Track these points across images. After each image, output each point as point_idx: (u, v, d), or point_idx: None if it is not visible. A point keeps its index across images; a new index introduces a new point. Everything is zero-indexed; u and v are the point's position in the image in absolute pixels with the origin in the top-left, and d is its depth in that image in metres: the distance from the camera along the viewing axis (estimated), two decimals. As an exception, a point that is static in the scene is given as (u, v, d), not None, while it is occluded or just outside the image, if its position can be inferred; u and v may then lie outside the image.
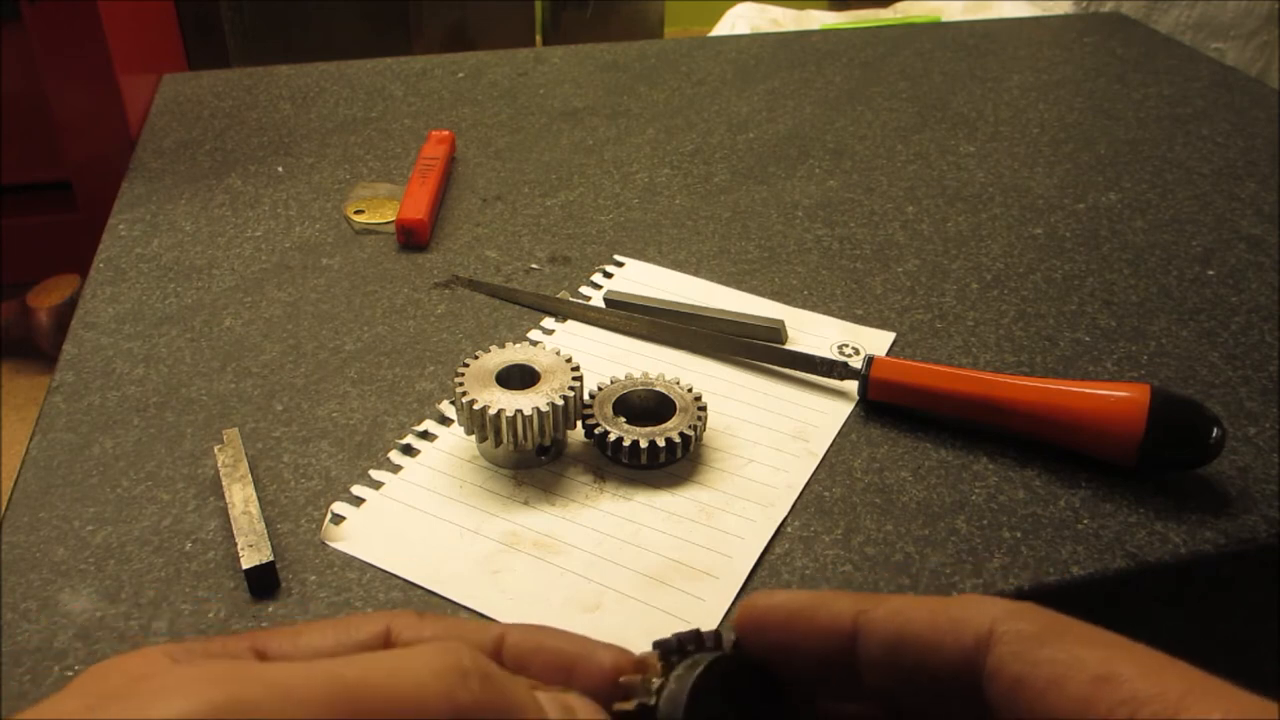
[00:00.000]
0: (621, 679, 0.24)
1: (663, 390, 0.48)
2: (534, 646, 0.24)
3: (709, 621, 0.39)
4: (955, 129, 0.80)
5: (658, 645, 0.25)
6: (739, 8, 1.58)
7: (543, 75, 0.89)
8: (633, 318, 0.55)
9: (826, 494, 0.45)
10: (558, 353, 0.47)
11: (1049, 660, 0.21)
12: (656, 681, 0.24)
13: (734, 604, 0.40)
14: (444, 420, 0.49)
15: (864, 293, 0.59)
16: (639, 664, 0.25)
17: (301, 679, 0.18)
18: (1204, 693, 0.20)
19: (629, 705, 0.23)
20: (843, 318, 0.57)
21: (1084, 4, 1.41)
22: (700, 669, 0.24)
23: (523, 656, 0.24)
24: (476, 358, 0.46)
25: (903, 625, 0.23)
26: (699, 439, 0.47)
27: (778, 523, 0.43)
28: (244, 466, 0.44)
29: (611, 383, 0.48)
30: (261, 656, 0.23)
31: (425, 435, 0.48)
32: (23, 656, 0.37)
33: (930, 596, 0.24)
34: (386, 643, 0.24)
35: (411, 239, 0.63)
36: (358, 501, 0.44)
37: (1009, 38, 1.00)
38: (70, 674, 0.37)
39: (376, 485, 0.45)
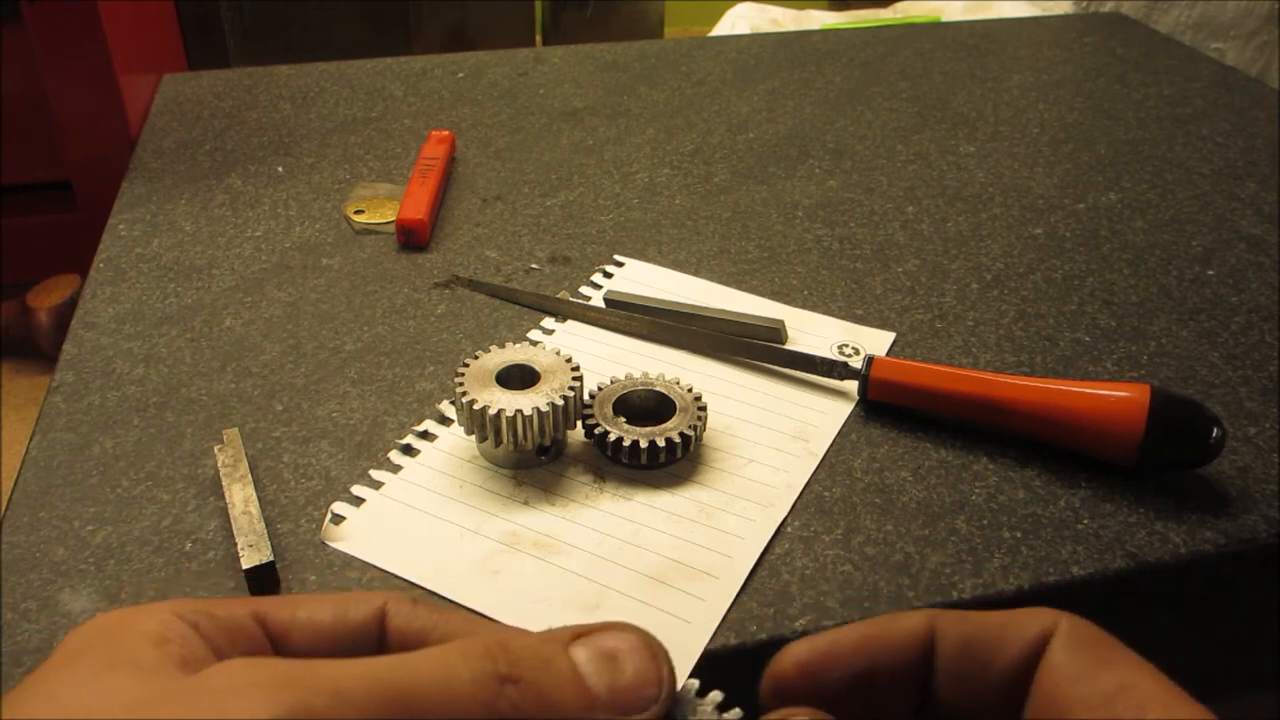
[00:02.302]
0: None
1: (663, 390, 0.48)
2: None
3: (707, 622, 0.39)
4: (955, 129, 0.80)
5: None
6: (739, 8, 1.58)
7: (543, 75, 0.89)
8: (633, 318, 0.55)
9: (826, 494, 0.45)
10: (558, 353, 0.47)
11: (1091, 659, 0.23)
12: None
13: (733, 604, 0.40)
14: (444, 420, 0.49)
15: (864, 293, 0.59)
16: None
17: (356, 682, 0.20)
18: None
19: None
20: (843, 318, 0.57)
21: (1084, 4, 1.41)
22: None
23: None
24: (476, 358, 0.46)
25: (976, 627, 0.25)
26: (699, 439, 0.47)
27: (778, 523, 0.43)
28: (244, 466, 0.44)
29: (611, 383, 0.48)
30: (262, 623, 0.24)
31: (425, 435, 0.48)
32: (23, 656, 0.37)
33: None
34: (381, 626, 0.25)
35: (411, 239, 0.63)
36: (358, 501, 0.44)
37: (1009, 38, 1.00)
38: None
39: (376, 485, 0.45)
